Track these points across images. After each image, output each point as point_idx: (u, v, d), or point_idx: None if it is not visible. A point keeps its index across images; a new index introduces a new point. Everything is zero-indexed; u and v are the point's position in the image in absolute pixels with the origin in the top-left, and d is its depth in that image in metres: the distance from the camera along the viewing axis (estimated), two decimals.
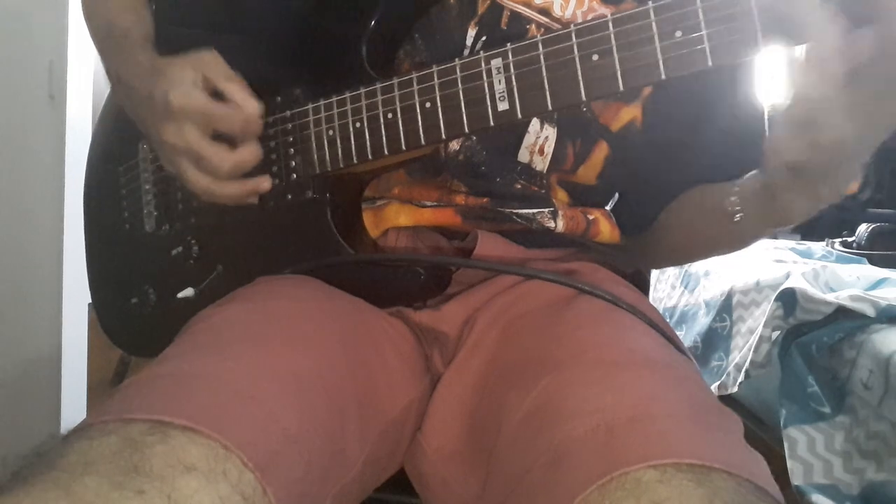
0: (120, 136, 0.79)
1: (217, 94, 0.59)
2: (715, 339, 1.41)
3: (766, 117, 0.69)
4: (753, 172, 0.55)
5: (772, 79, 0.72)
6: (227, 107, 0.58)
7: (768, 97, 0.70)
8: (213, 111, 0.58)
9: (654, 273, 1.73)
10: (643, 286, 0.73)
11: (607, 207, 0.73)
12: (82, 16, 0.76)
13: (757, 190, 0.54)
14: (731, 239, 0.64)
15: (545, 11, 0.63)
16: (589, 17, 0.63)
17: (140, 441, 0.37)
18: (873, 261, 1.48)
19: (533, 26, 0.62)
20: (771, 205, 0.52)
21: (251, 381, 0.45)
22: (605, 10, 0.63)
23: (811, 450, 1.06)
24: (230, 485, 0.38)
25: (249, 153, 0.60)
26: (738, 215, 0.56)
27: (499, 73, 0.51)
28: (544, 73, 0.49)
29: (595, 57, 0.47)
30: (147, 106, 0.61)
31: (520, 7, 0.62)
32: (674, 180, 0.69)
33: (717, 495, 0.36)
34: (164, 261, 0.73)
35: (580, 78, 0.48)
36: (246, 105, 0.58)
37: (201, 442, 0.38)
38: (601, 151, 0.67)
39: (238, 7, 0.69)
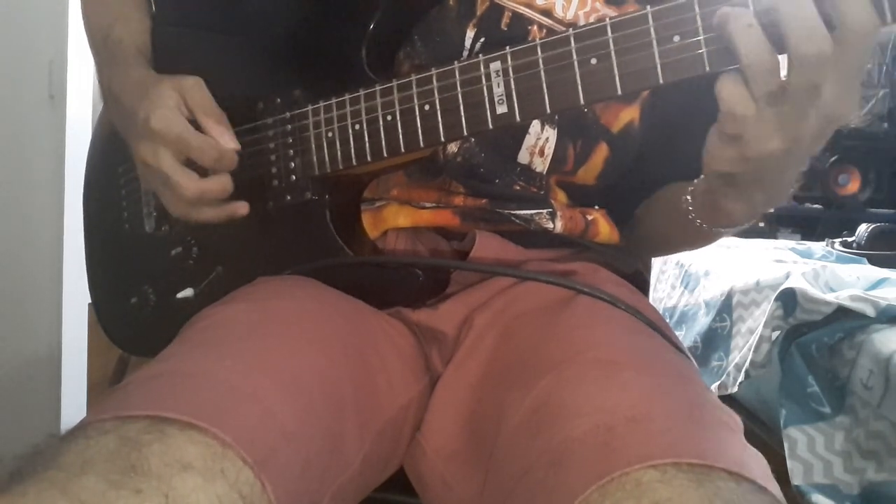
0: (119, 136, 0.79)
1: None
2: (715, 339, 1.41)
3: None
4: (702, 176, 0.56)
5: None
6: (203, 139, 0.58)
7: None
8: (189, 140, 0.58)
9: (654, 273, 1.73)
10: (643, 286, 0.73)
11: None
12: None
13: (704, 191, 0.56)
14: (690, 235, 0.66)
15: (547, 12, 0.63)
16: (592, 18, 0.63)
17: (137, 440, 0.37)
18: (873, 261, 1.48)
19: (535, 27, 0.62)
20: (713, 207, 0.55)
21: (250, 379, 0.45)
22: (608, 10, 0.63)
23: (811, 450, 1.06)
24: (228, 483, 0.38)
25: (216, 185, 0.60)
26: (691, 214, 0.59)
27: (498, 76, 0.51)
28: (543, 77, 0.49)
29: (594, 61, 0.47)
30: (131, 120, 0.61)
31: (521, 8, 0.62)
32: (660, 177, 0.70)
33: (717, 495, 0.36)
34: (163, 261, 0.73)
35: (579, 82, 0.48)
36: (221, 141, 0.58)
37: (199, 440, 0.38)
38: (601, 153, 0.67)
39: (238, 8, 0.69)
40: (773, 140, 0.43)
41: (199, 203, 0.61)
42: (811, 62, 0.40)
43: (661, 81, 0.45)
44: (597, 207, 0.72)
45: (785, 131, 0.43)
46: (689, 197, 0.59)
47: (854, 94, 0.43)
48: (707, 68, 0.44)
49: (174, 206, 0.61)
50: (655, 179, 0.70)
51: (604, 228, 0.70)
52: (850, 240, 1.67)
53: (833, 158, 2.36)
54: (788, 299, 1.16)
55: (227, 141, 0.59)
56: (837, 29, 0.39)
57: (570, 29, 0.48)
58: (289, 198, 0.62)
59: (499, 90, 0.51)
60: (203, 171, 0.60)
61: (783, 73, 0.41)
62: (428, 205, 0.65)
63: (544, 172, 0.66)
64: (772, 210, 0.57)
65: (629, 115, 0.66)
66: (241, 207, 0.62)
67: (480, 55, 0.52)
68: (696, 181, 0.58)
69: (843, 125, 0.45)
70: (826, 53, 0.39)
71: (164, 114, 0.58)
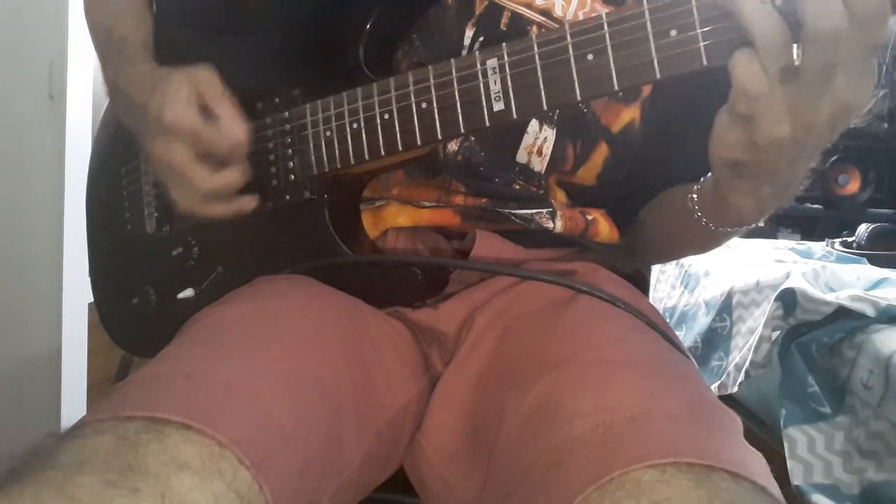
0: (122, 137, 0.79)
1: (209, 112, 0.59)
2: (715, 339, 1.41)
3: None
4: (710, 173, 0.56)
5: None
6: (216, 129, 0.58)
7: None
8: (202, 132, 0.58)
9: (654, 273, 1.73)
10: (643, 286, 0.73)
11: None
12: (83, 17, 0.76)
13: (711, 189, 0.55)
14: (696, 237, 0.65)
15: (546, 12, 0.62)
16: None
17: (134, 439, 0.37)
18: (873, 261, 1.48)
19: (534, 27, 0.62)
20: (720, 203, 0.54)
21: (248, 380, 0.45)
22: (607, 10, 0.63)
23: (811, 450, 1.06)
24: (225, 483, 0.38)
25: (233, 176, 0.60)
26: (697, 213, 0.58)
27: (494, 73, 0.51)
28: (539, 73, 0.49)
29: (590, 56, 0.47)
30: (141, 116, 0.61)
31: (521, 8, 0.62)
32: (661, 179, 0.70)
33: (716, 495, 0.36)
34: (164, 261, 0.73)
35: (575, 78, 0.48)
36: (234, 129, 0.58)
37: (196, 440, 0.38)
38: (601, 153, 0.67)
39: (237, 9, 0.69)
40: (783, 124, 0.42)
41: (213, 198, 0.60)
42: (826, 39, 0.38)
43: (658, 76, 0.45)
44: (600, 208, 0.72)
45: (796, 115, 0.42)
46: (694, 195, 0.58)
47: (868, 84, 0.41)
48: (704, 62, 0.43)
49: (185, 200, 0.61)
50: (658, 181, 0.70)
51: (604, 228, 0.69)
52: (850, 240, 1.67)
53: (833, 158, 2.35)
54: (788, 299, 1.16)
55: (240, 129, 0.58)
56: (852, 8, 0.38)
57: (567, 25, 0.48)
58: (288, 197, 0.62)
59: (495, 87, 0.51)
60: (215, 164, 0.60)
61: (796, 53, 0.40)
62: (428, 204, 0.65)
63: (542, 172, 0.66)
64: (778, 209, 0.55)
65: (630, 114, 0.66)
66: (249, 202, 0.62)
67: (477, 52, 0.52)
68: (703, 178, 0.57)
69: (855, 116, 0.44)
70: (841, 31, 0.38)
71: (176, 107, 0.57)
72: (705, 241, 0.66)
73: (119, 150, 0.81)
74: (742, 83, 0.41)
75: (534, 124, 0.64)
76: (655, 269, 1.73)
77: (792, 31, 0.40)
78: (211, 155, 0.59)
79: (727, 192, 0.52)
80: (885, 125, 2.32)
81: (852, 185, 2.40)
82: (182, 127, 0.57)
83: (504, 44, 0.50)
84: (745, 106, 0.42)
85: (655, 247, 0.75)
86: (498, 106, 0.51)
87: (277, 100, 0.62)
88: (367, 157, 0.57)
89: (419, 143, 0.55)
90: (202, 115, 0.58)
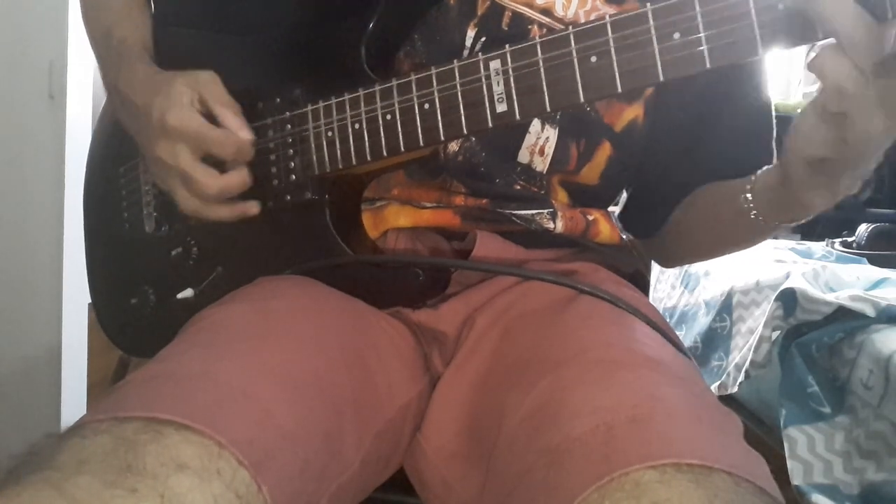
0: (120, 136, 0.79)
1: (212, 116, 0.59)
2: (715, 339, 1.41)
3: (772, 113, 0.69)
4: (768, 167, 0.55)
5: (775, 76, 0.72)
6: (221, 132, 0.58)
7: (774, 93, 0.70)
8: (207, 135, 0.58)
9: (654, 273, 1.73)
10: (643, 286, 0.73)
11: (616, 209, 0.73)
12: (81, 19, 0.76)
13: (772, 185, 0.54)
14: (744, 235, 0.64)
15: (547, 12, 0.63)
16: (592, 17, 0.63)
17: (133, 440, 0.37)
18: (873, 261, 1.48)
19: (535, 27, 0.63)
20: (787, 200, 0.52)
21: (247, 380, 0.45)
22: (608, 9, 0.63)
23: (811, 450, 1.06)
24: (224, 483, 0.38)
25: (237, 178, 0.60)
26: (752, 212, 0.56)
27: (497, 74, 0.51)
28: (543, 75, 0.49)
29: (593, 59, 0.47)
30: (143, 120, 0.61)
31: (521, 7, 0.62)
32: (681, 180, 0.69)
33: (717, 496, 0.36)
34: (163, 261, 0.73)
35: (579, 80, 0.48)
36: (239, 133, 0.58)
37: (195, 440, 0.38)
38: (604, 151, 0.67)
39: (238, 8, 0.69)
40: (877, 117, 0.40)
41: (219, 199, 0.60)
42: None
43: (661, 79, 0.45)
44: (614, 210, 0.72)
45: (890, 106, 0.40)
46: (748, 194, 0.56)
47: None
48: (708, 65, 0.44)
49: (190, 203, 0.61)
50: (684, 182, 0.69)
51: (604, 228, 0.69)
52: (850, 240, 1.67)
53: None
54: (788, 299, 1.16)
55: (245, 132, 0.59)
56: None
57: (570, 27, 0.48)
58: (289, 197, 0.62)
59: (498, 89, 0.51)
60: (219, 168, 0.60)
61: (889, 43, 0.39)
62: (428, 204, 0.65)
63: (544, 172, 0.66)
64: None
65: (633, 113, 0.66)
66: (252, 206, 0.62)
67: (480, 54, 0.52)
68: (758, 173, 0.56)
69: None
70: None
71: (180, 111, 0.58)
72: (753, 237, 0.64)
73: (117, 150, 0.81)
74: (835, 81, 0.40)
75: (536, 124, 0.64)
76: (655, 269, 1.72)
77: (877, 17, 0.38)
78: (214, 157, 0.59)
79: (801, 188, 0.49)
80: None
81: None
82: (187, 129, 0.57)
83: (507, 46, 0.50)
84: (839, 104, 0.41)
85: (694, 247, 0.74)
86: (501, 107, 0.51)
87: (279, 100, 0.62)
88: (368, 157, 0.57)
89: (421, 143, 0.55)
90: (206, 118, 0.58)
